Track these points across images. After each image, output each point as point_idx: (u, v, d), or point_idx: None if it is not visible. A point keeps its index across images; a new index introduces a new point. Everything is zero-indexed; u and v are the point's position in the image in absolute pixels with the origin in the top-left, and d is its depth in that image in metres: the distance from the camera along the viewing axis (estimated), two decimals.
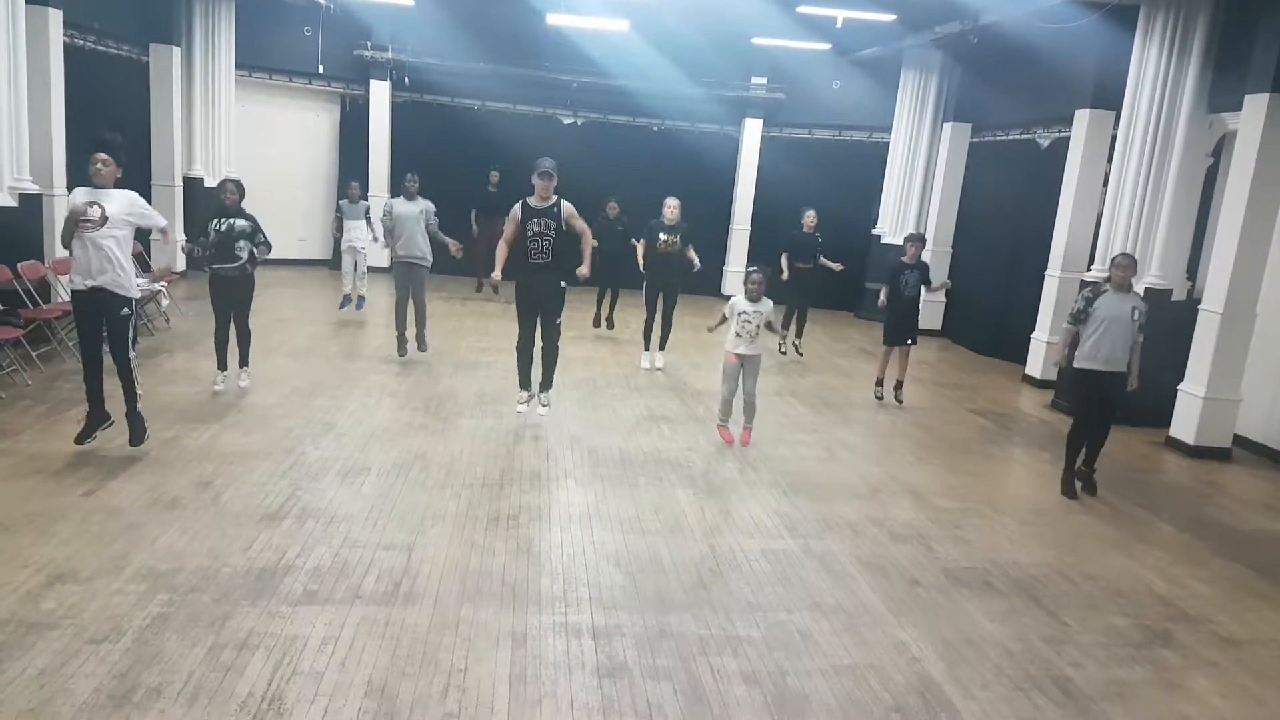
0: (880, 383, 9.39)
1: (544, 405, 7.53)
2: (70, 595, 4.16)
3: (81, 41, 10.89)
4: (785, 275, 10.83)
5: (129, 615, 4.02)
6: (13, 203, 8.73)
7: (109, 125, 11.44)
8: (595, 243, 7.64)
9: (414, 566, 4.77)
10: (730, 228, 16.58)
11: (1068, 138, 11.00)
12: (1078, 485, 7.01)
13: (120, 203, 5.88)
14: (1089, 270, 10.11)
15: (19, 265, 8.28)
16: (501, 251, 7.26)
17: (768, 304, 7.34)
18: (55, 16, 9.44)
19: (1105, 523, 6.48)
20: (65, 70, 9.66)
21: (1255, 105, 8.11)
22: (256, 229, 7.65)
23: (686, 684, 3.90)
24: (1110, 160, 10.04)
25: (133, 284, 6.01)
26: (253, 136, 14.94)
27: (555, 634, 4.22)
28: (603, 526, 5.57)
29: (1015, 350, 11.79)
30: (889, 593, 5.00)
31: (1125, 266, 6.77)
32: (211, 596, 4.26)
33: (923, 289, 9.32)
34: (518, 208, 7.11)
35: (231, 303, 7.73)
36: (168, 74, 13.07)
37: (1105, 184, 10.26)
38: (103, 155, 5.84)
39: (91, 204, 5.75)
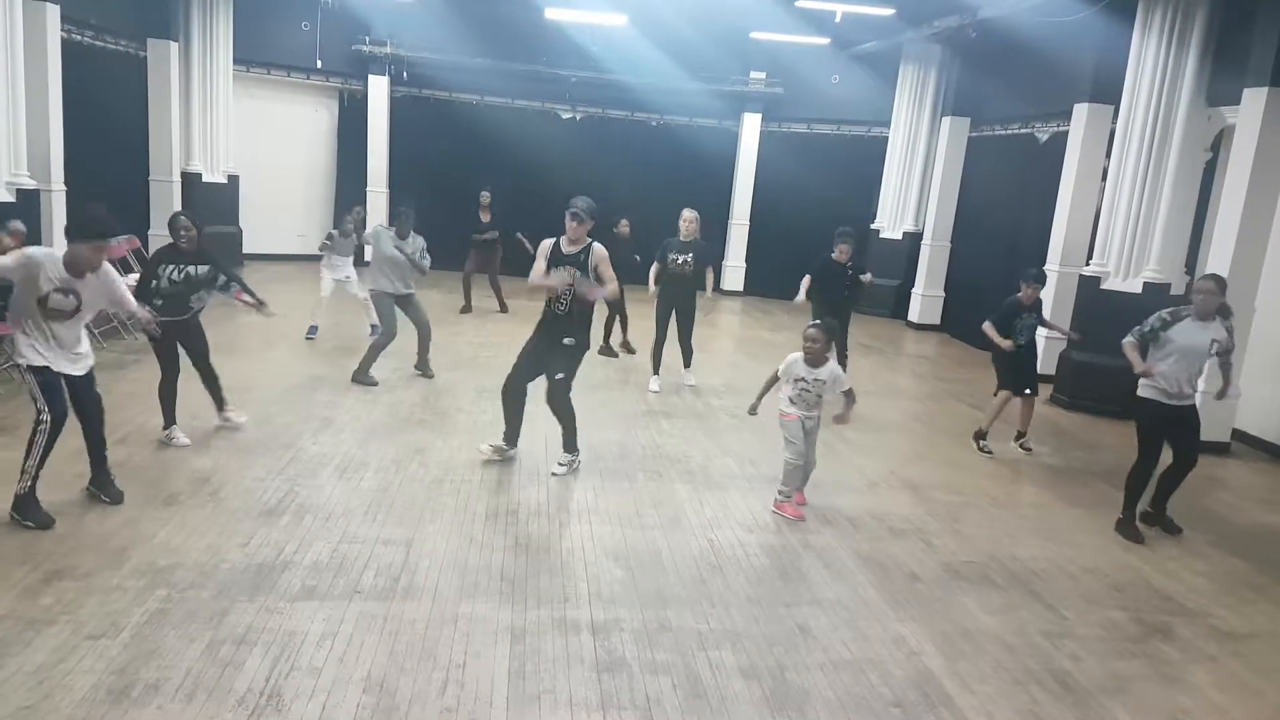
0: (983, 434, 7.88)
1: (560, 465, 6.44)
2: (68, 591, 4.15)
3: (79, 37, 10.86)
4: (800, 298, 9.13)
5: (127, 611, 4.02)
6: (10, 198, 8.71)
7: (106, 123, 11.51)
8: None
9: (412, 562, 4.77)
10: (729, 223, 16.58)
11: (1066, 132, 11.00)
12: (1142, 528, 6.19)
13: (96, 289, 4.98)
14: (1088, 265, 10.11)
15: None
16: (542, 278, 6.24)
17: (832, 368, 5.84)
18: (53, 11, 9.41)
19: (1103, 517, 6.48)
20: (63, 65, 9.63)
21: (1254, 99, 8.10)
22: (217, 272, 6.43)
23: (685, 679, 3.90)
24: (1109, 154, 10.03)
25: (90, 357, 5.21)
26: (251, 132, 14.91)
27: (554, 629, 4.22)
28: (601, 521, 5.57)
29: None
30: (888, 587, 5.00)
31: (1209, 291, 5.82)
32: (210, 592, 4.26)
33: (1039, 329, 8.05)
34: (548, 244, 6.28)
35: (187, 349, 6.45)
36: (165, 69, 13.06)
37: (1104, 178, 10.25)
38: (101, 243, 4.83)
39: (66, 293, 4.82)
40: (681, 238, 9.00)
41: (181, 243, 6.30)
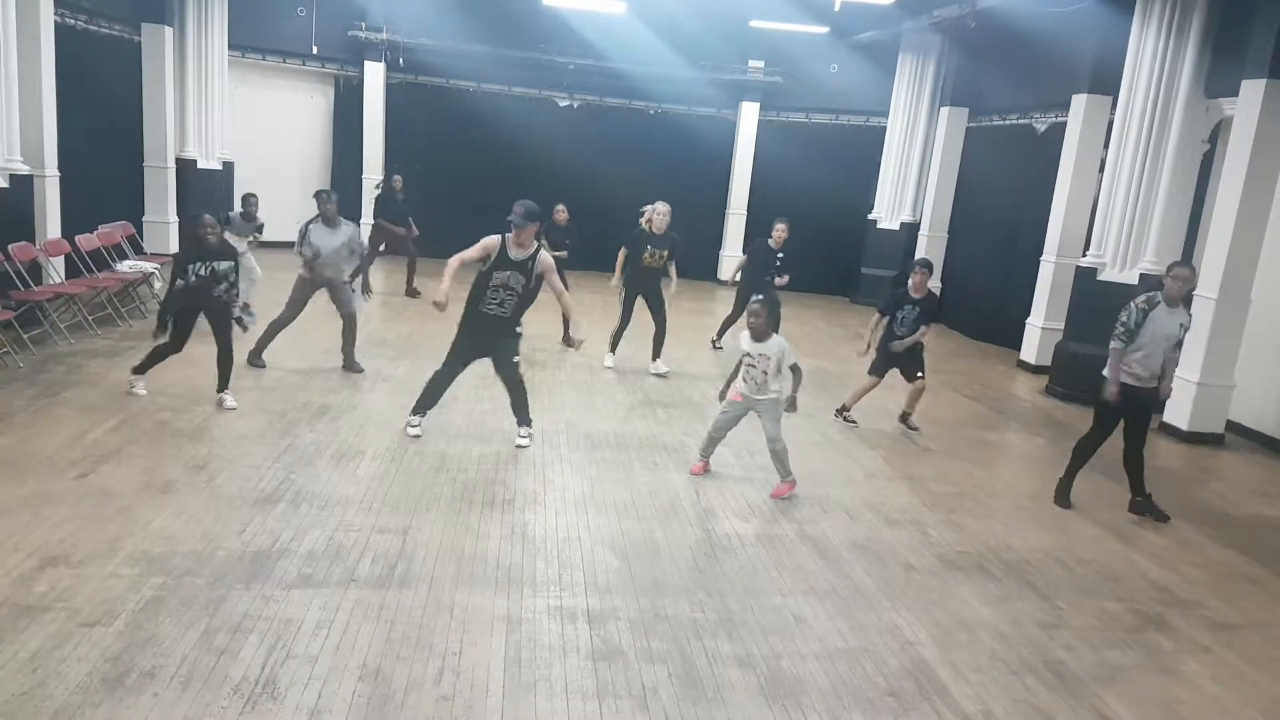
0: (846, 407, 8.09)
1: (522, 439, 6.69)
2: (63, 579, 4.14)
3: (73, 21, 10.78)
4: (732, 279, 10.13)
5: (122, 599, 4.01)
6: (3, 184, 8.66)
7: (100, 108, 11.43)
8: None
9: (409, 550, 4.77)
10: (726, 212, 16.55)
11: (1064, 123, 10.98)
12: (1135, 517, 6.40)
13: None
14: (1084, 255, 10.11)
15: (10, 247, 8.23)
16: (453, 266, 6.21)
17: (777, 344, 5.88)
18: None
19: (1099, 507, 6.50)
20: (56, 50, 9.55)
21: (1252, 90, 8.09)
22: (236, 266, 6.81)
23: (681, 667, 3.91)
24: (1107, 145, 10.02)
25: None
26: (246, 118, 14.85)
27: (550, 617, 4.22)
28: (598, 511, 5.57)
29: (1010, 335, 11.81)
30: (883, 577, 5.01)
31: (1186, 279, 6.06)
32: (205, 580, 4.25)
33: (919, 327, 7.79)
34: (494, 242, 6.22)
35: (210, 320, 6.80)
36: (160, 54, 12.97)
37: (1101, 169, 10.25)
38: None
39: None
40: (654, 230, 8.90)
41: (209, 239, 6.66)
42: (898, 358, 7.89)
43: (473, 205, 14.84)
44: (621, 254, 9.02)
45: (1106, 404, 6.23)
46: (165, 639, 3.74)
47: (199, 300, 6.70)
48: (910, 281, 7.80)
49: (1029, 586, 5.07)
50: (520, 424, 6.76)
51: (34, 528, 4.62)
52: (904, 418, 8.10)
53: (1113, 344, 6.12)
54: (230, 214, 10.14)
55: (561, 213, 10.23)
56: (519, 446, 6.60)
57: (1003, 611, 4.73)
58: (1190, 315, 6.25)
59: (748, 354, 5.93)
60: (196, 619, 3.90)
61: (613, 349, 9.40)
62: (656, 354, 9.33)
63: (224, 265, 6.70)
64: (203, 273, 6.61)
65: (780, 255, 10.05)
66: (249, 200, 10.16)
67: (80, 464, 5.51)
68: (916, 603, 4.73)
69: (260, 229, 10.23)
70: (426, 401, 6.70)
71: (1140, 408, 6.27)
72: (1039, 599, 4.93)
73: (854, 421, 8.05)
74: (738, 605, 4.51)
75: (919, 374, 7.89)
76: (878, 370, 7.97)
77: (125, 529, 4.69)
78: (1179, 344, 6.20)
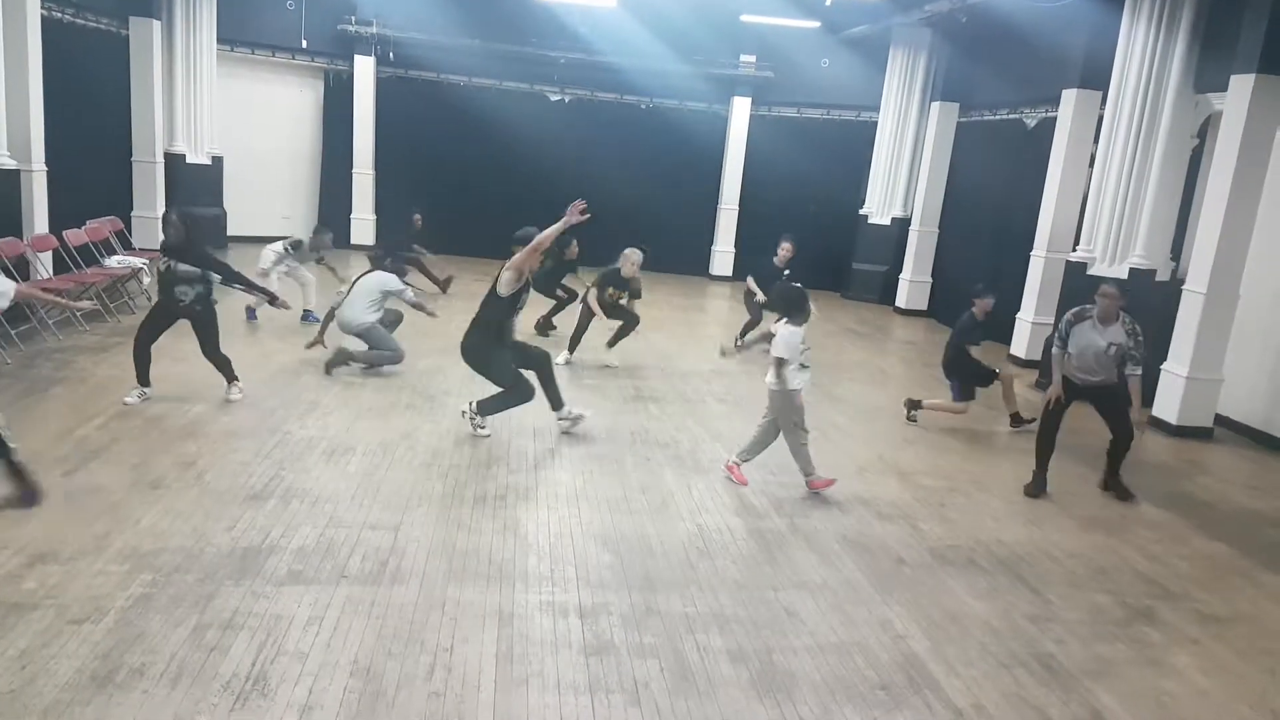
0: (915, 404, 8.25)
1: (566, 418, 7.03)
2: (52, 575, 4.12)
3: (59, 14, 10.71)
4: (760, 296, 10.00)
5: (111, 595, 3.99)
6: None
7: (87, 102, 11.36)
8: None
9: (400, 546, 4.75)
10: (718, 207, 16.55)
11: (1054, 118, 11.00)
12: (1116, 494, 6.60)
13: None
14: (1074, 251, 10.14)
15: None
16: None
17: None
18: None
19: (1088, 501, 6.53)
20: (43, 44, 9.48)
21: (1241, 86, 8.11)
22: (204, 276, 6.58)
23: (673, 662, 3.91)
24: (1096, 140, 10.05)
25: None
26: (235, 112, 14.77)
27: (542, 613, 4.22)
28: (590, 506, 5.57)
29: (1000, 330, 11.81)
30: (875, 571, 5.02)
31: (1111, 296, 6.19)
32: (195, 576, 4.23)
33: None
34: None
35: (197, 337, 6.76)
36: (148, 48, 12.90)
37: (1091, 164, 10.27)
38: None
39: None
40: (623, 274, 9.08)
41: (169, 238, 6.64)
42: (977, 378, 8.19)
43: (464, 201, 14.90)
44: (593, 281, 9.15)
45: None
46: (155, 636, 3.72)
47: (168, 298, 6.61)
48: (975, 306, 8.14)
49: (1019, 580, 5.09)
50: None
51: (22, 524, 4.59)
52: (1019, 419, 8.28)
53: (1053, 349, 6.49)
54: (301, 239, 10.06)
55: (572, 249, 10.21)
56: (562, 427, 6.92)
57: (993, 605, 4.75)
58: (1128, 335, 6.17)
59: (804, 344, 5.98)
60: (186, 616, 3.89)
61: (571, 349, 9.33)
62: (611, 344, 9.41)
63: (182, 269, 6.52)
64: (161, 268, 6.65)
65: (786, 273, 10.02)
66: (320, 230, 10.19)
67: (68, 460, 5.47)
68: (908, 597, 4.75)
69: (295, 244, 9.92)
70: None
71: (1095, 400, 6.45)
72: (1029, 592, 4.95)
73: (914, 420, 8.23)
74: (729, 600, 4.52)
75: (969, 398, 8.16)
76: (970, 395, 8.20)
77: (114, 526, 4.67)
78: (1129, 360, 6.19)
